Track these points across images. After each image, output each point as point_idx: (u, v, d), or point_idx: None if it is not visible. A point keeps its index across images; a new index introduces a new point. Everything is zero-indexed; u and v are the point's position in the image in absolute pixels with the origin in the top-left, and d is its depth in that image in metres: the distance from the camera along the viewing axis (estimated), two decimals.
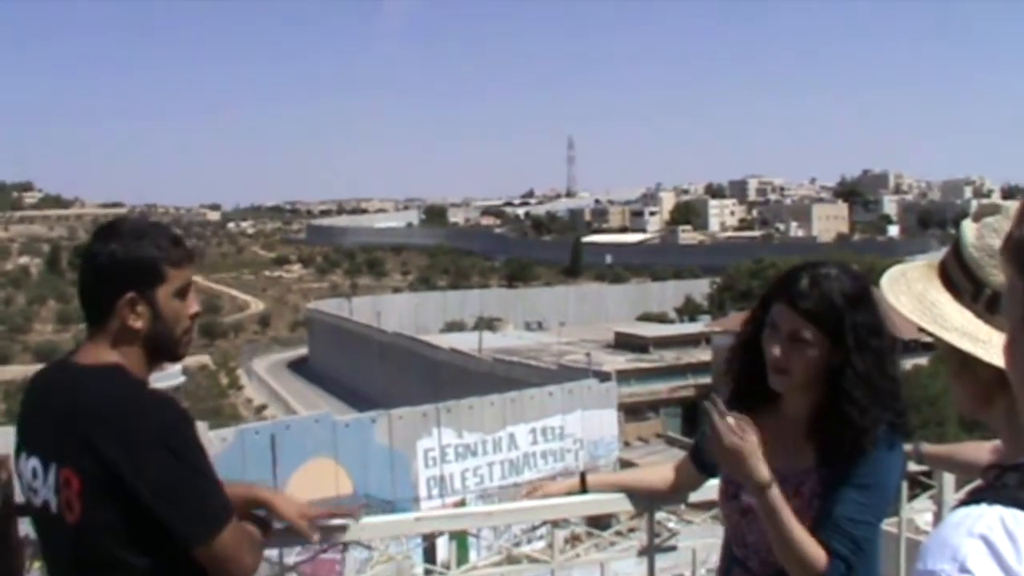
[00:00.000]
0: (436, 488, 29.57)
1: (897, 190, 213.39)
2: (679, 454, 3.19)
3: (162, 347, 2.55)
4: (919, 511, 4.31)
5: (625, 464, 32.58)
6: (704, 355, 57.26)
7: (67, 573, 2.51)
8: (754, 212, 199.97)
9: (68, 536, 2.40)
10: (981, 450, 3.29)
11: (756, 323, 2.70)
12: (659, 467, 3.33)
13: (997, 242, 1.47)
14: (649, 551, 3.51)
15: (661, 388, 55.10)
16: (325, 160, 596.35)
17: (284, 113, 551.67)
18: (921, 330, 1.66)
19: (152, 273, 2.49)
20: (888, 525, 3.26)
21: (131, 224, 2.57)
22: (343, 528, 3.02)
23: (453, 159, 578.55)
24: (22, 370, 78.15)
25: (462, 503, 27.21)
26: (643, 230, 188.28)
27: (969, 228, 1.65)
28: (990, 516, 1.14)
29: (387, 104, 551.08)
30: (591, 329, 76.21)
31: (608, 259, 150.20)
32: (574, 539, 3.87)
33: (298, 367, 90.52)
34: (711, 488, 3.18)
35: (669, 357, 59.53)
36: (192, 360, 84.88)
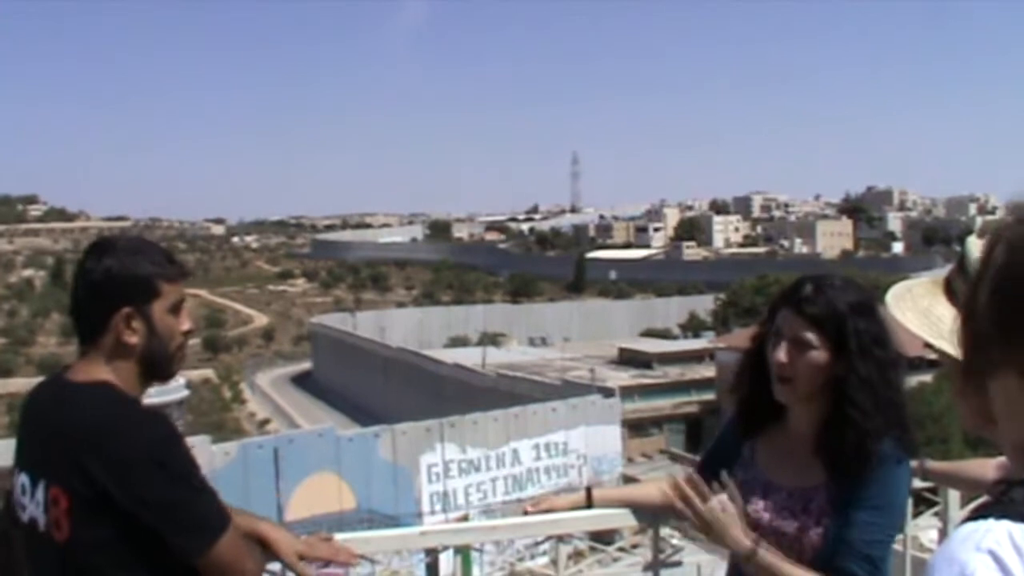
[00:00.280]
0: (439, 503, 29.49)
1: (902, 207, 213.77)
2: (683, 470, 3.18)
3: (156, 363, 2.54)
4: (924, 528, 4.30)
5: (628, 480, 32.50)
6: (708, 371, 57.28)
7: None
8: (758, 228, 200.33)
9: (56, 554, 2.38)
10: (986, 467, 3.28)
11: (763, 338, 2.71)
12: (666, 482, 3.32)
13: None
14: (654, 567, 3.50)
15: (665, 404, 55.11)
16: (330, 175, 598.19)
17: (289, 128, 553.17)
18: (927, 345, 1.66)
19: (147, 288, 2.49)
20: (894, 543, 3.26)
21: (125, 240, 2.56)
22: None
23: (458, 174, 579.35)
24: (25, 383, 77.95)
25: (465, 518, 27.16)
26: (647, 246, 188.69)
27: (974, 244, 1.64)
28: (998, 531, 1.13)
29: (392, 119, 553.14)
30: (595, 345, 76.22)
31: (612, 275, 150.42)
32: (577, 555, 3.86)
33: (302, 381, 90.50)
34: None
35: (673, 373, 59.56)
36: (196, 374, 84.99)
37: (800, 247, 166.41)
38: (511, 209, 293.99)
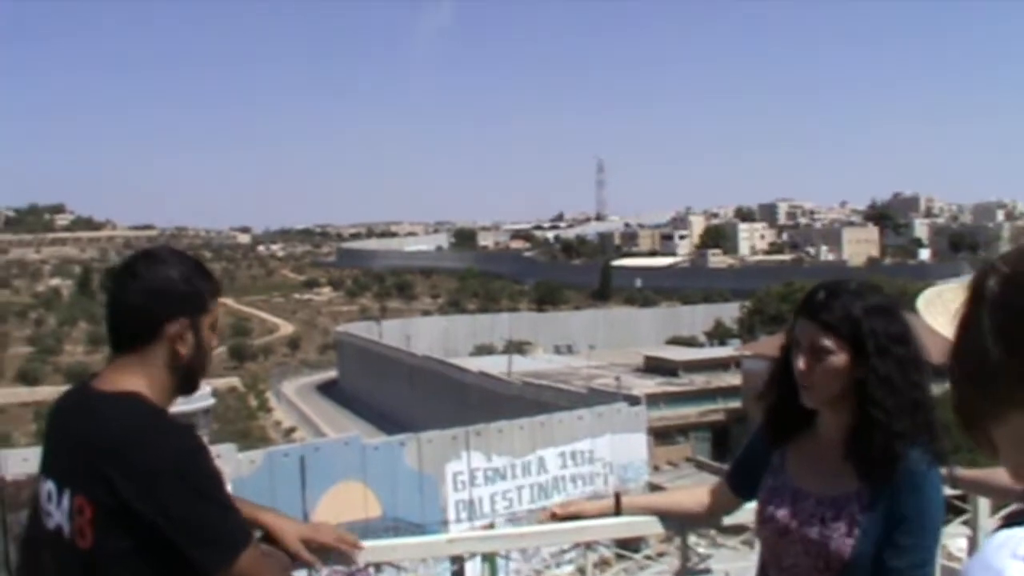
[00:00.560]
0: (465, 512, 29.50)
1: (928, 213, 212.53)
2: (709, 478, 3.19)
3: (191, 377, 2.57)
4: (952, 535, 4.27)
5: (654, 488, 32.45)
6: (734, 379, 57.06)
7: None
8: (784, 236, 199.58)
9: (80, 562, 2.39)
10: None
11: (790, 346, 2.71)
12: (694, 490, 3.31)
13: None
14: (682, 574, 3.49)
15: (691, 412, 54.93)
16: (355, 183, 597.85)
17: (314, 137, 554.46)
18: None
19: (200, 303, 2.53)
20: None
21: (174, 252, 2.59)
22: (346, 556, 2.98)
23: (483, 183, 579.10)
24: (52, 391, 78.42)
25: (491, 527, 27.15)
26: (673, 254, 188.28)
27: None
28: None
29: (417, 127, 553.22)
30: (620, 353, 76.10)
31: (638, 283, 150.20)
32: (603, 563, 3.85)
33: (327, 390, 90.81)
34: (743, 512, 3.17)
35: (699, 381, 59.37)
36: (222, 382, 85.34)
37: (826, 254, 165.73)
38: (536, 217, 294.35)
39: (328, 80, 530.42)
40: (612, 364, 66.81)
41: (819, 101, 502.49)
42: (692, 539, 3.55)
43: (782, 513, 2.68)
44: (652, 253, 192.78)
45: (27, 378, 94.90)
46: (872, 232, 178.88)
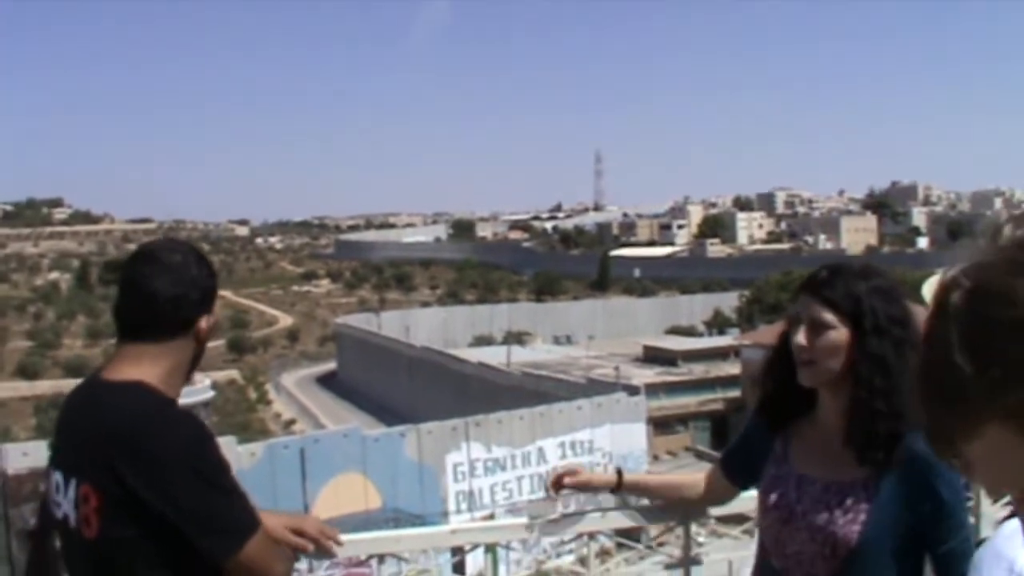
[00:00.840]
0: (465, 502, 29.55)
1: (926, 202, 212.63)
2: (708, 467, 3.18)
3: (194, 367, 2.59)
4: None
5: None
6: (733, 368, 57.10)
7: None
8: (782, 225, 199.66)
9: (86, 550, 2.40)
10: None
11: (788, 332, 2.69)
12: (691, 474, 3.31)
13: None
14: (685, 564, 3.48)
15: (690, 401, 54.99)
16: (353, 175, 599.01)
17: (312, 128, 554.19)
18: None
19: (214, 297, 2.57)
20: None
21: (191, 246, 2.60)
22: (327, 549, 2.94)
23: (481, 173, 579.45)
24: (52, 385, 78.73)
25: (491, 517, 27.17)
26: (671, 243, 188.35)
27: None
28: None
29: (414, 119, 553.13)
30: (620, 343, 76.16)
31: (636, 272, 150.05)
32: (603, 553, 3.84)
33: (327, 382, 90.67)
34: (742, 501, 3.16)
35: (698, 370, 59.40)
36: (221, 375, 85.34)
37: (824, 243, 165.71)
38: (535, 208, 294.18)
39: (326, 73, 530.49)
40: (611, 354, 66.79)
41: (817, 90, 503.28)
42: (693, 528, 3.54)
43: (787, 500, 2.67)
44: (651, 243, 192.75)
45: (26, 372, 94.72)
46: (870, 221, 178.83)
